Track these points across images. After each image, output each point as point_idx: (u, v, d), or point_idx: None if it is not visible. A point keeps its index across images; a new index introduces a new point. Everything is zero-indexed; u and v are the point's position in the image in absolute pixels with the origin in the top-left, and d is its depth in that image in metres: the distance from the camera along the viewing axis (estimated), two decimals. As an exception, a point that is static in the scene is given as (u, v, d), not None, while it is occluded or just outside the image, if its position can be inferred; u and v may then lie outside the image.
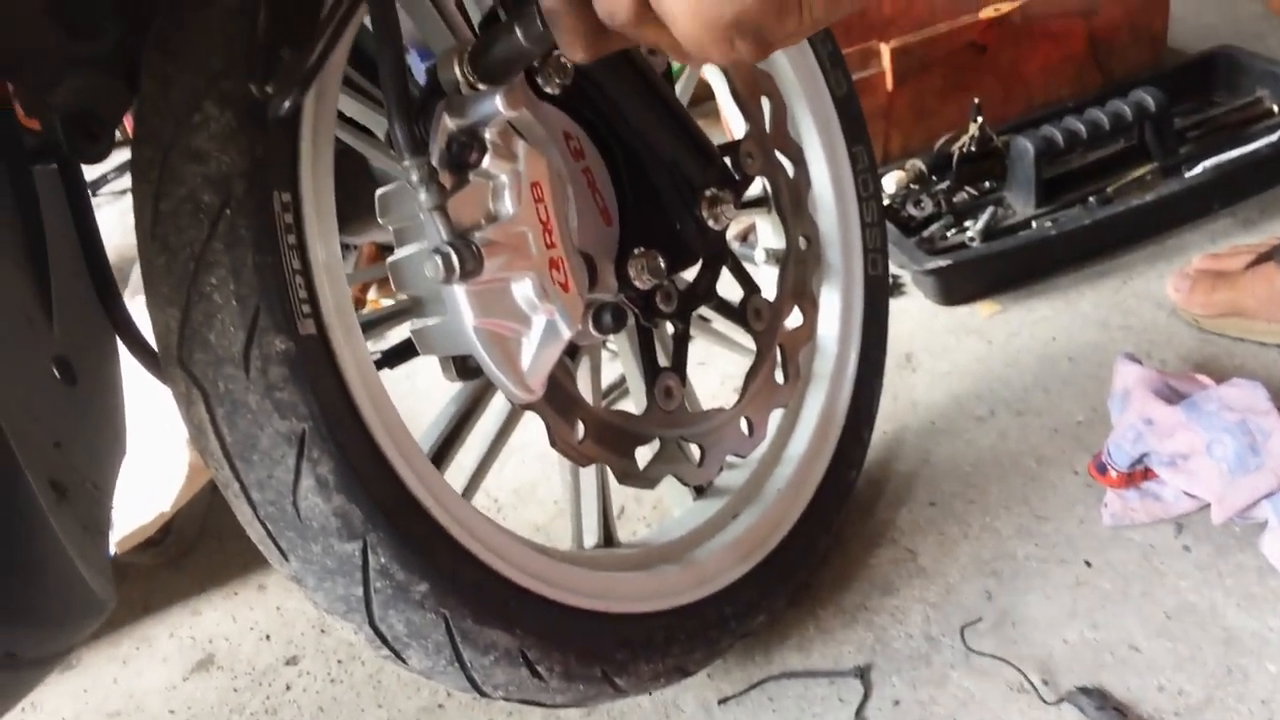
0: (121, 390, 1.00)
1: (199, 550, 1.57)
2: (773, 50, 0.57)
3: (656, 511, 1.40)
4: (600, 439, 0.98)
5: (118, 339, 0.97)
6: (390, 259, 0.79)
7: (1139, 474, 1.20)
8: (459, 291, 0.76)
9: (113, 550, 1.22)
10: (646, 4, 0.56)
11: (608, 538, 1.09)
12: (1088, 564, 1.16)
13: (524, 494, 1.51)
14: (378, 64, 0.66)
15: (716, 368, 1.66)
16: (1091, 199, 1.74)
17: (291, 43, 0.74)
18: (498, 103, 0.66)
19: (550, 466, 1.54)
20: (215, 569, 1.52)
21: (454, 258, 0.70)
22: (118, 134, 0.88)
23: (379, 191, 0.78)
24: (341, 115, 0.88)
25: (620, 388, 1.61)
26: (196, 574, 1.52)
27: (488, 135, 0.72)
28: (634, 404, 1.13)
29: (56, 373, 0.88)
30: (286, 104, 0.69)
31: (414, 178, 0.67)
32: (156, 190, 0.75)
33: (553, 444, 0.94)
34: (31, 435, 0.81)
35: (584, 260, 0.88)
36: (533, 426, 1.05)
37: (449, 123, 0.71)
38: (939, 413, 1.44)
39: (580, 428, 0.96)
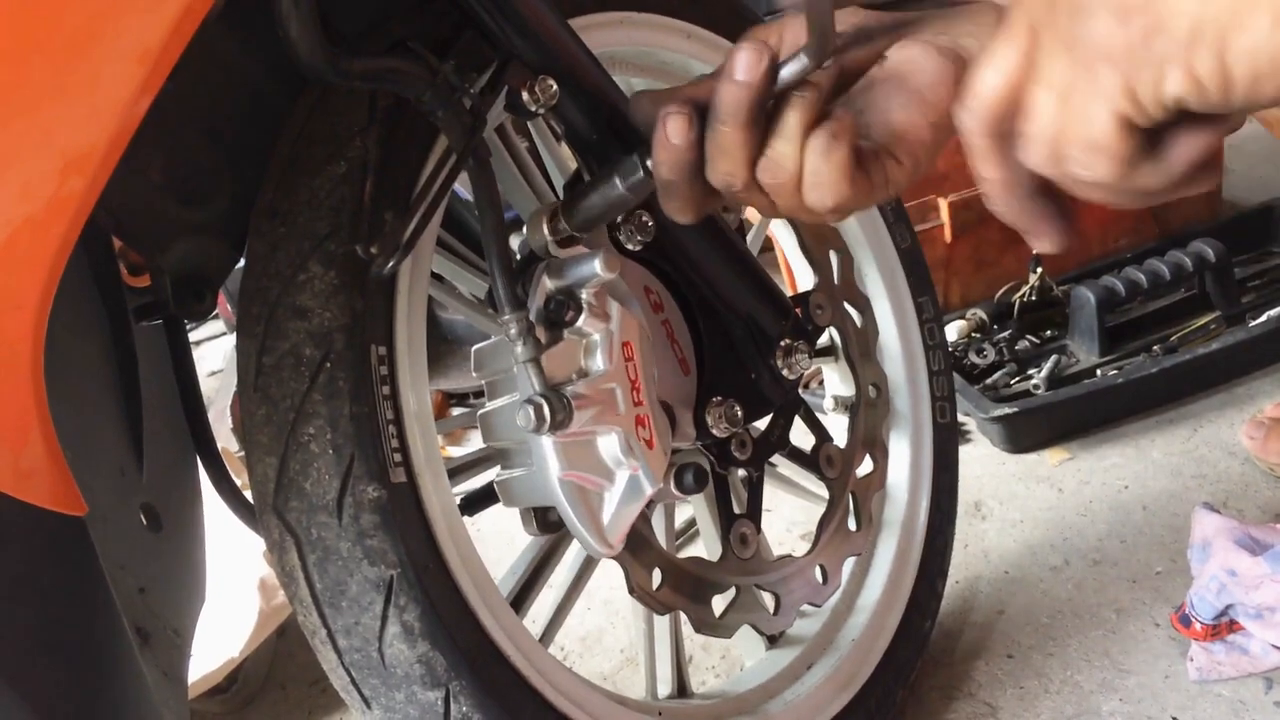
0: (203, 538, 1.02)
1: (263, 698, 1.57)
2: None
3: (726, 661, 1.38)
4: (676, 586, 0.98)
5: (201, 487, 1.01)
6: (481, 410, 0.81)
7: (1224, 626, 1.17)
8: (546, 442, 0.78)
9: (185, 697, 1.23)
10: (756, 182, 0.61)
11: (681, 687, 1.08)
12: (1176, 721, 1.13)
13: (591, 642, 1.50)
14: (480, 226, 0.70)
15: (782, 514, 1.66)
16: (1156, 347, 1.74)
17: (394, 207, 0.79)
18: (596, 265, 0.70)
19: (616, 614, 1.53)
20: (280, 717, 1.51)
21: (545, 408, 0.73)
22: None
23: (475, 347, 0.82)
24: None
25: (688, 533, 1.61)
26: (262, 723, 1.52)
27: (584, 295, 0.76)
28: (705, 550, 1.13)
29: (144, 520, 0.91)
30: (389, 266, 0.73)
31: (512, 331, 0.70)
32: (261, 345, 0.79)
33: (631, 591, 0.94)
34: (120, 582, 0.83)
35: (663, 409, 0.90)
36: (599, 573, 1.05)
37: (548, 283, 0.75)
38: (1012, 562, 1.42)
39: (657, 574, 0.97)
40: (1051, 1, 0.48)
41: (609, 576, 0.97)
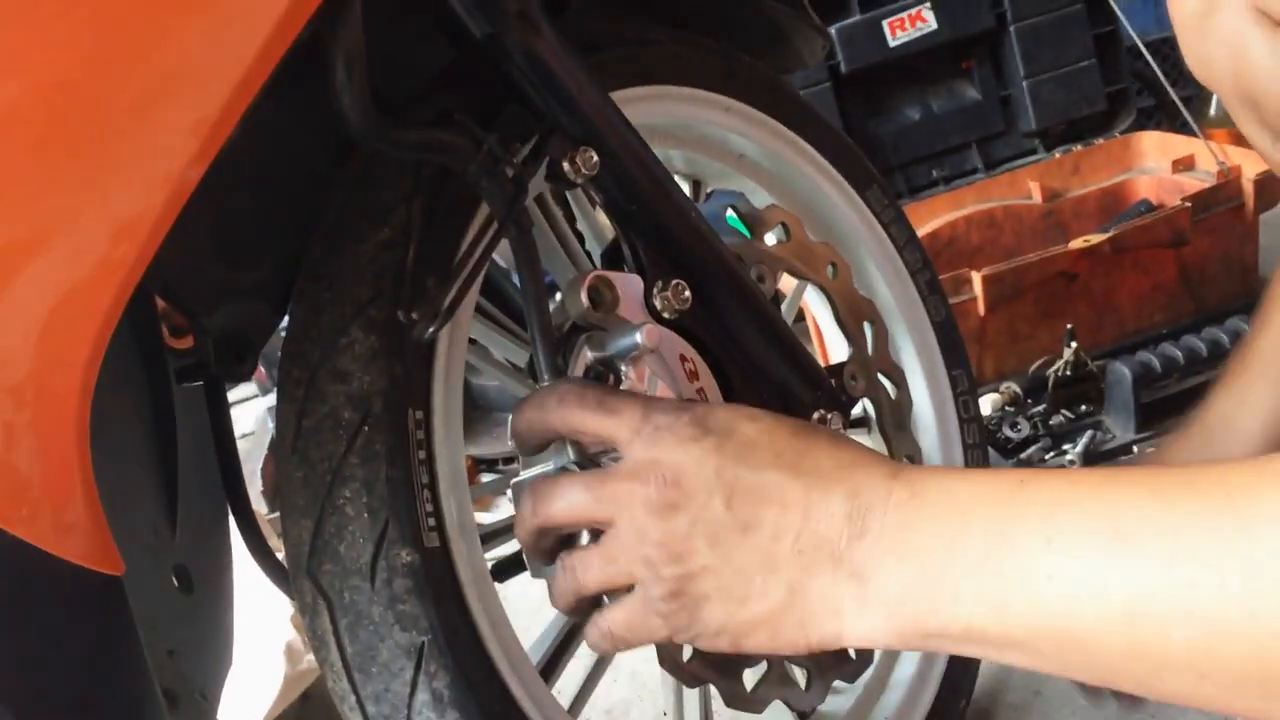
0: (233, 601, 1.02)
1: (287, 766, 1.55)
2: None
3: (755, 738, 1.36)
4: (707, 659, 0.97)
5: (232, 549, 1.01)
6: (515, 479, 0.81)
7: (1269, 712, 1.14)
8: (577, 512, 0.77)
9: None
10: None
11: (711, 764, 1.06)
12: (1220, 809, 1.10)
13: (618, 716, 1.48)
14: (521, 294, 0.71)
15: (813, 589, 1.64)
16: (1193, 424, 1.72)
17: (436, 274, 0.80)
18: (638, 337, 0.70)
19: (644, 687, 1.51)
20: (303, 785, 1.50)
21: (579, 476, 0.72)
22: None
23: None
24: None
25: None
26: (284, 790, 1.50)
27: (623, 368, 0.76)
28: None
29: (175, 581, 0.91)
30: (430, 331, 0.74)
31: (552, 400, 0.70)
32: (301, 408, 0.80)
33: (661, 663, 0.93)
34: (150, 643, 0.83)
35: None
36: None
37: (589, 354, 0.76)
38: (1048, 641, 1.40)
39: (688, 647, 0.96)
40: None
41: (637, 650, 0.97)
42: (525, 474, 0.81)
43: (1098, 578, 0.55)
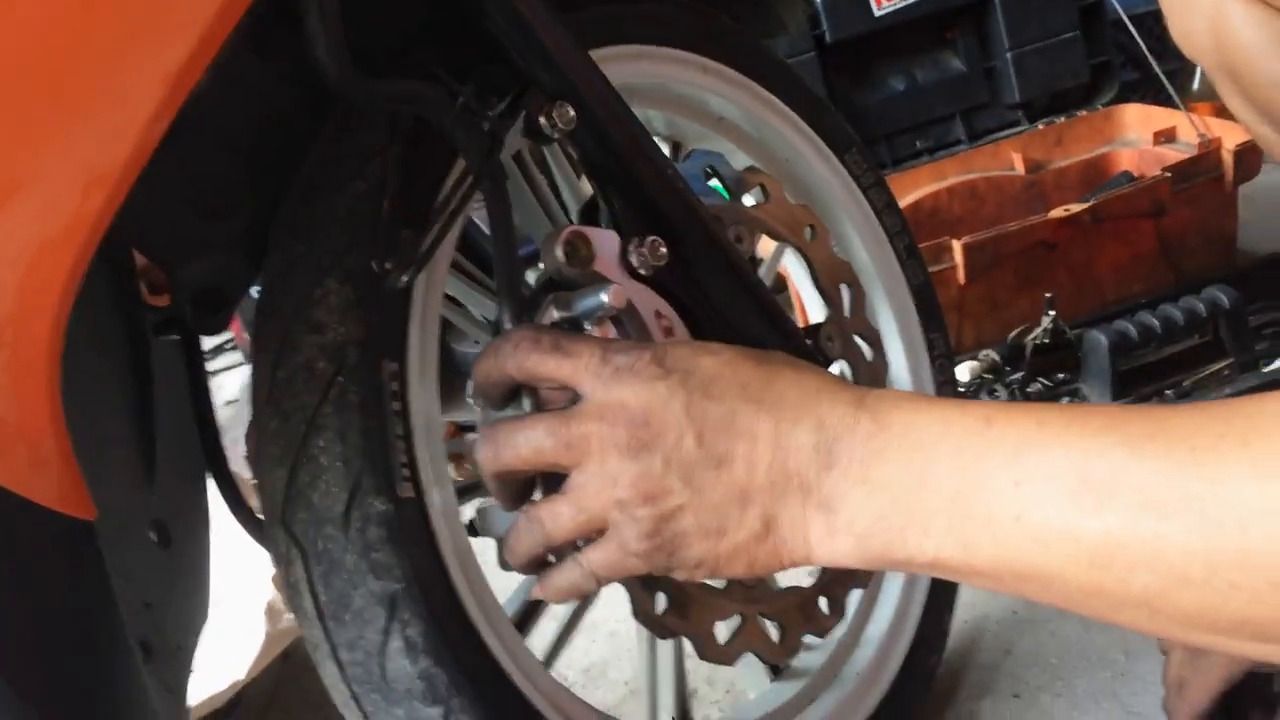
0: (209, 555, 1.03)
1: (267, 724, 1.57)
2: None
3: (730, 696, 1.38)
4: (681, 612, 0.98)
5: (209, 505, 1.01)
6: (470, 436, 0.82)
7: (1234, 672, 1.16)
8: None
9: (188, 717, 1.22)
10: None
11: (683, 717, 1.08)
12: (1183, 765, 1.12)
13: (594, 674, 1.50)
14: (492, 248, 0.71)
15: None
16: (1169, 392, 1.74)
17: (411, 224, 0.80)
18: (603, 297, 0.71)
19: (621, 647, 1.53)
20: (283, 742, 1.51)
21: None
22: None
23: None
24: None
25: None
26: (264, 747, 1.52)
27: (589, 327, 0.77)
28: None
29: (153, 535, 0.91)
30: (404, 279, 0.74)
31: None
32: (275, 359, 0.80)
33: (635, 615, 0.94)
34: (126, 595, 0.84)
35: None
36: (606, 605, 1.05)
37: (554, 313, 0.76)
38: (1020, 602, 1.42)
39: (661, 599, 0.97)
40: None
41: (615, 608, 0.98)
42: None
43: (1065, 523, 0.56)
